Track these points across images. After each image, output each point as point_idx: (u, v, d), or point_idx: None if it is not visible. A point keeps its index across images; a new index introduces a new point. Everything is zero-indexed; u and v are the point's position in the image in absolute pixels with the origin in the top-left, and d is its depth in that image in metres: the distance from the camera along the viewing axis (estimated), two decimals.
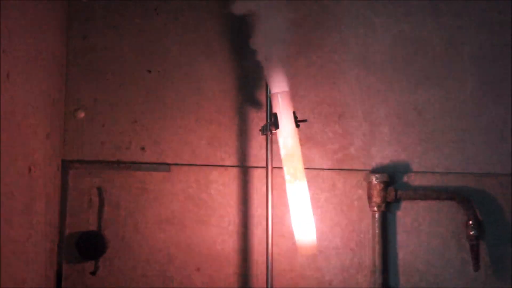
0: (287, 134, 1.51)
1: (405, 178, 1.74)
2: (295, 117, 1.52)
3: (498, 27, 1.76)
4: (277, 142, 1.54)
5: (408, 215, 1.73)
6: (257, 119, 1.74)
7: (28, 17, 1.49)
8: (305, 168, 1.53)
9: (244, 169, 1.75)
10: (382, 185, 1.68)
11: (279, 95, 1.51)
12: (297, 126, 1.53)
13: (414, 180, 1.74)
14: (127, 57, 1.76)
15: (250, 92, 1.75)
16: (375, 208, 1.69)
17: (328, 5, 1.77)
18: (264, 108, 1.62)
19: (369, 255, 1.72)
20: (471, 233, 1.66)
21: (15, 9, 1.40)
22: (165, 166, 1.74)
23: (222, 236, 1.73)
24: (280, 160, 1.53)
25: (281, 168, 1.53)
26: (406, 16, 1.77)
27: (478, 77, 1.75)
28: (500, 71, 1.75)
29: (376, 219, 1.70)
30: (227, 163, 1.75)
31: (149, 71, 1.77)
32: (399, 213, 1.73)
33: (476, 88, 1.75)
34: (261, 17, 1.51)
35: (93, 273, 1.71)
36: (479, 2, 1.77)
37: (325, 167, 1.74)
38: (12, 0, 1.38)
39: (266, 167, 1.58)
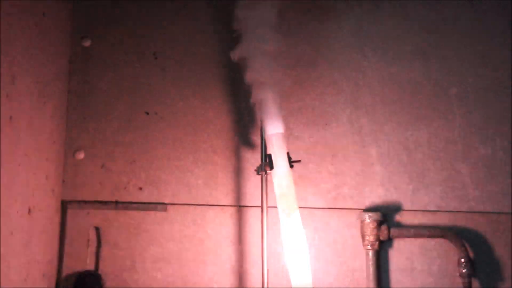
0: (281, 175, 1.54)
1: (398, 217, 1.76)
2: (289, 158, 1.56)
3: (482, 71, 1.81)
4: (271, 182, 1.57)
5: (401, 253, 1.75)
6: (252, 159, 1.78)
7: (31, 62, 1.53)
8: (299, 207, 1.56)
9: (240, 209, 1.77)
10: (375, 224, 1.71)
11: (273, 136, 1.55)
12: (291, 166, 1.56)
13: (407, 218, 1.76)
14: (126, 100, 1.81)
15: (245, 134, 1.79)
16: (369, 247, 1.71)
17: (320, 49, 1.84)
18: (259, 149, 1.66)
19: None
20: (463, 271, 1.68)
21: (19, 54, 1.45)
22: (163, 206, 1.76)
23: (218, 275, 1.74)
24: (275, 199, 1.56)
25: (276, 207, 1.56)
26: (395, 59, 1.83)
27: (465, 117, 1.80)
28: (486, 112, 1.80)
29: (370, 258, 1.71)
30: (223, 202, 1.77)
31: (147, 113, 1.81)
32: (392, 252, 1.75)
33: (464, 128, 1.79)
34: (256, 62, 1.56)
35: None
36: (464, 48, 1.83)
37: (318, 206, 1.77)
38: (16, 48, 1.42)
39: (262, 206, 1.61)
